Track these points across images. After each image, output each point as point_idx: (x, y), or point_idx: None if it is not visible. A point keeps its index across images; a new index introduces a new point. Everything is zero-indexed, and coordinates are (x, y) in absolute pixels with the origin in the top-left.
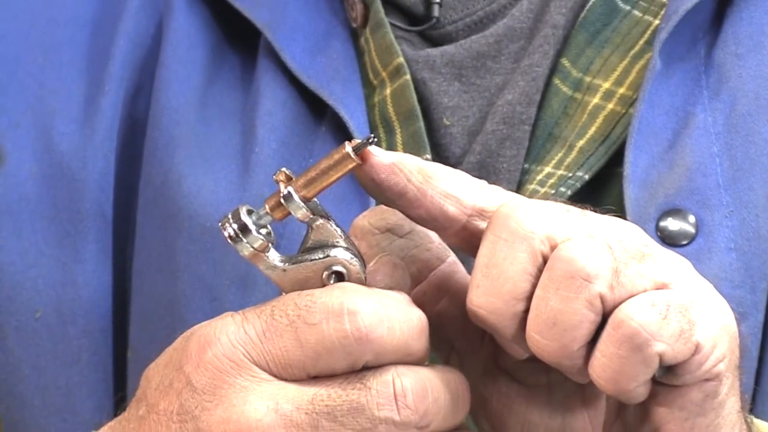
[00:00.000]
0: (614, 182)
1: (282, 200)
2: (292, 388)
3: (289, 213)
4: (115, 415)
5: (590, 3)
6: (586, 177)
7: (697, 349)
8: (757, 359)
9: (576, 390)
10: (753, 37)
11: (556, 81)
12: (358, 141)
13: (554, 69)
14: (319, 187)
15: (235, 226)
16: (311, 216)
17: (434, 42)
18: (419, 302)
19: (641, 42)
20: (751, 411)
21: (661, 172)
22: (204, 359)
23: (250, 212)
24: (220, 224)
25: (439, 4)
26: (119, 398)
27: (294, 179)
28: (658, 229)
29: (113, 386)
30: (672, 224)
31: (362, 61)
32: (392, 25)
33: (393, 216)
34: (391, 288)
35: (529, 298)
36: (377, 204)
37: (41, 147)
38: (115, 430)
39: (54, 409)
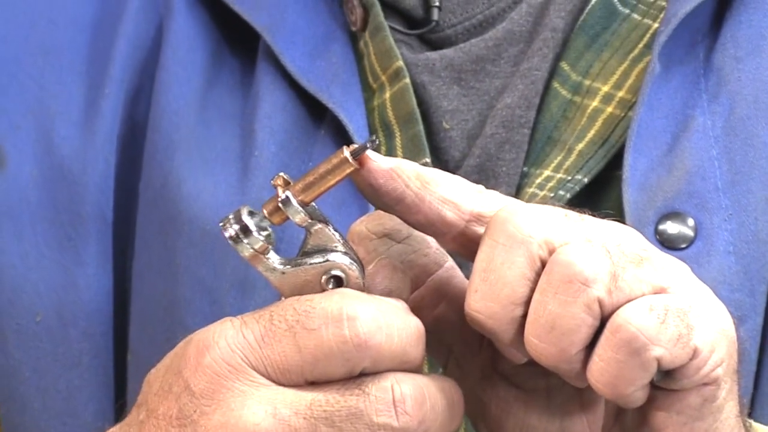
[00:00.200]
0: (613, 185)
1: (280, 205)
2: (290, 393)
3: (288, 217)
4: (117, 422)
5: (589, 6)
6: (585, 180)
7: (695, 353)
8: (756, 362)
9: (574, 394)
10: (752, 40)
11: (556, 84)
12: (357, 145)
13: (553, 72)
14: (317, 192)
15: (236, 226)
16: (309, 220)
17: (434, 46)
18: (417, 307)
19: (640, 45)
20: (750, 414)
21: (660, 175)
22: (202, 363)
23: (251, 213)
24: (221, 224)
25: (439, 7)
26: (120, 405)
27: (292, 184)
28: (657, 232)
29: (114, 389)
30: (671, 227)
31: (362, 64)
32: (392, 28)
33: (391, 221)
34: (390, 290)
35: (528, 302)
36: (375, 209)
37: (42, 149)
38: None
39: (54, 412)
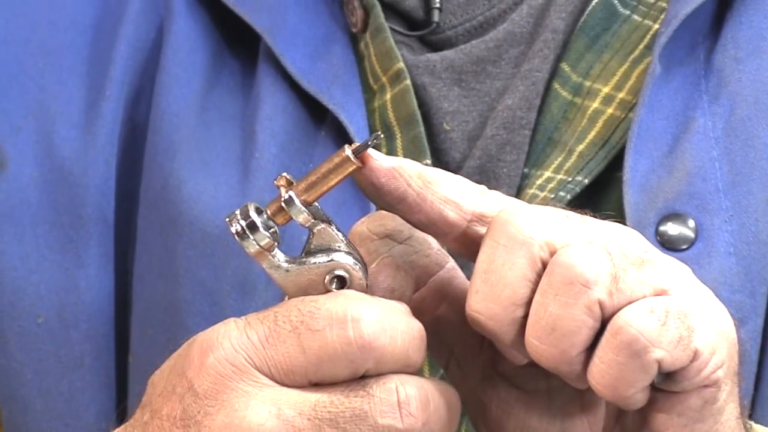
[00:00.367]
0: (614, 187)
1: (283, 205)
2: (294, 394)
3: (291, 218)
4: (118, 425)
5: (590, 8)
6: (586, 181)
7: (695, 355)
8: (757, 364)
9: (575, 396)
10: (752, 41)
11: (556, 86)
12: (359, 144)
13: (554, 74)
14: (319, 191)
15: (243, 222)
16: (313, 220)
17: (434, 47)
18: (418, 308)
19: (641, 46)
20: (751, 416)
21: (660, 176)
22: (206, 364)
23: (258, 210)
24: (227, 220)
25: (439, 9)
26: (121, 409)
27: (295, 184)
28: (657, 233)
29: (115, 391)
30: (672, 229)
31: (362, 66)
32: (392, 30)
33: (392, 222)
34: (393, 289)
35: (528, 303)
36: (377, 209)
37: (42, 152)
38: None
39: (56, 414)
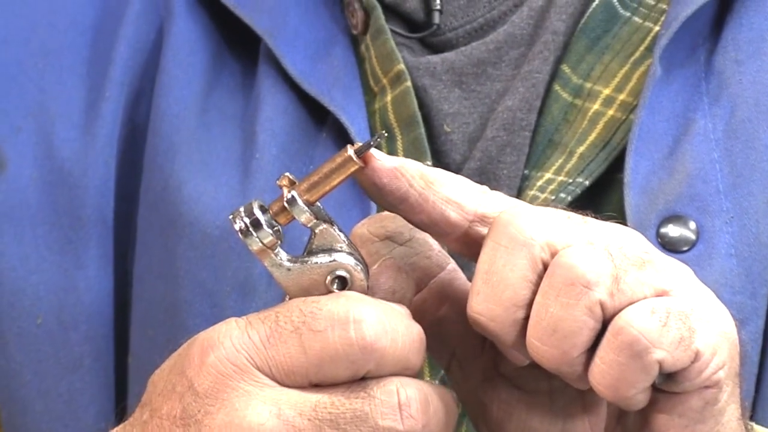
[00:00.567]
0: (615, 188)
1: (286, 204)
2: (295, 395)
3: (293, 218)
4: (117, 424)
5: (590, 9)
6: (587, 183)
7: (696, 356)
8: (758, 365)
9: (577, 396)
10: (753, 43)
11: (557, 87)
12: (361, 144)
13: (554, 75)
14: (322, 191)
15: (247, 220)
16: (315, 220)
17: (435, 49)
18: (420, 309)
19: (641, 48)
20: (752, 417)
21: (661, 178)
22: (206, 363)
23: (262, 208)
24: (231, 217)
25: (440, 11)
26: (120, 409)
27: (297, 184)
28: (658, 235)
29: (115, 392)
30: (672, 230)
31: (363, 68)
32: (393, 32)
33: (392, 224)
34: (394, 290)
35: (530, 305)
36: (378, 210)
37: (42, 152)
38: None
39: (56, 415)
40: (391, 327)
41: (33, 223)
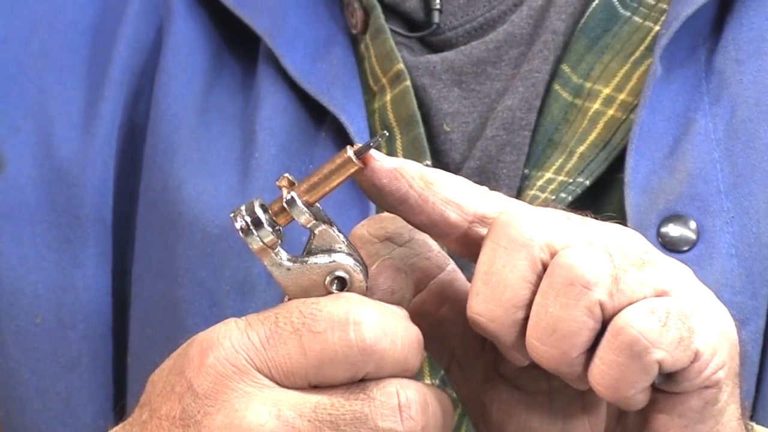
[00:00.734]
0: (615, 188)
1: (285, 205)
2: (295, 396)
3: (292, 218)
4: (116, 425)
5: (590, 9)
6: (587, 183)
7: (696, 356)
8: (758, 365)
9: (576, 397)
10: (753, 42)
11: (557, 87)
12: (360, 145)
13: (554, 75)
14: (321, 192)
15: (248, 218)
16: (314, 221)
17: (434, 48)
18: (419, 310)
19: (642, 48)
20: (752, 417)
21: (662, 178)
22: (206, 364)
23: (263, 207)
24: (231, 215)
25: (440, 10)
26: (119, 408)
27: (297, 184)
28: (659, 235)
29: (113, 391)
30: (673, 230)
31: (362, 67)
32: (392, 31)
33: (392, 225)
34: (393, 291)
35: (529, 305)
36: (377, 210)
37: (41, 152)
38: None
39: (54, 414)
40: (390, 329)
41: (32, 222)
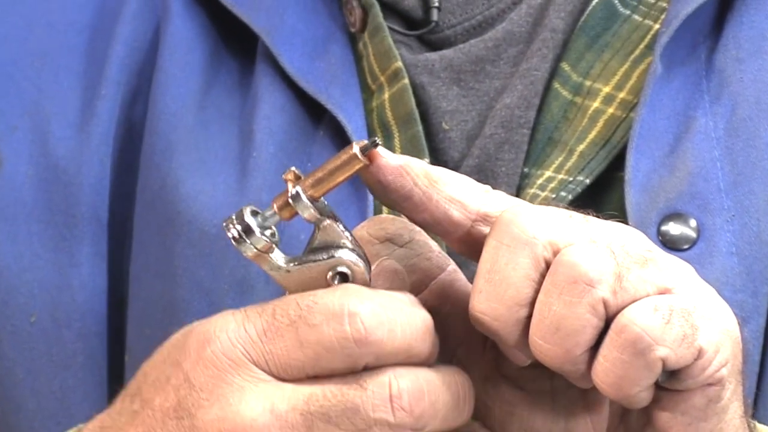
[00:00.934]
0: (615, 187)
1: (290, 200)
2: (289, 388)
3: (296, 213)
4: None
5: (590, 7)
6: (587, 181)
7: (699, 353)
8: (759, 363)
9: (579, 395)
10: (754, 41)
11: (556, 85)
12: (366, 142)
13: (554, 73)
14: (326, 188)
15: (239, 227)
16: (318, 216)
17: (433, 46)
18: None
19: (641, 46)
20: (754, 415)
21: (662, 176)
22: (203, 356)
23: (254, 213)
24: (224, 225)
25: (438, 8)
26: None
27: (302, 179)
28: (659, 233)
29: (108, 390)
30: (673, 228)
31: (361, 65)
32: (391, 29)
33: (392, 225)
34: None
35: (532, 303)
36: (375, 210)
37: (38, 151)
38: (104, 422)
39: (49, 413)
40: (388, 318)
41: (28, 221)
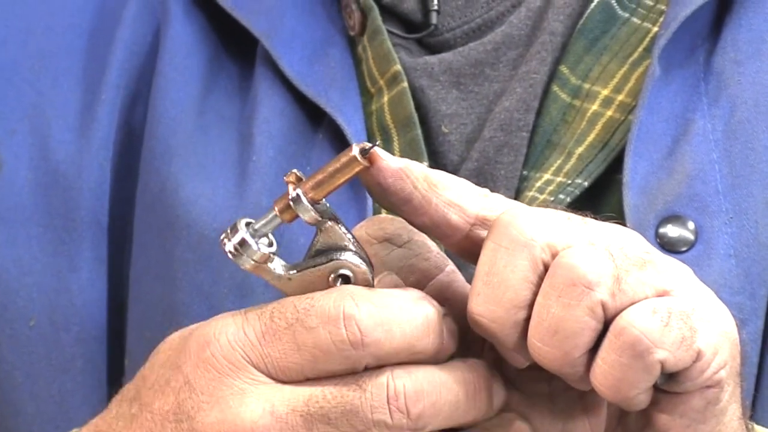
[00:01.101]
0: (613, 189)
1: (290, 203)
2: (288, 390)
3: (297, 216)
4: None
5: (589, 10)
6: (586, 184)
7: (698, 356)
8: (757, 365)
9: (577, 398)
10: (752, 43)
11: (555, 88)
12: (366, 144)
13: (553, 76)
14: (327, 190)
15: (234, 241)
16: (319, 218)
17: (432, 49)
18: None
19: (640, 49)
20: (752, 417)
21: (660, 178)
22: (202, 359)
23: (248, 225)
24: (221, 239)
25: (437, 11)
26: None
27: (303, 181)
28: (657, 235)
29: (107, 394)
30: (671, 231)
31: (360, 69)
32: (390, 32)
33: (391, 226)
34: None
35: (530, 305)
36: (374, 212)
37: (37, 154)
38: (100, 427)
39: (47, 417)
40: (385, 318)
41: (27, 225)
